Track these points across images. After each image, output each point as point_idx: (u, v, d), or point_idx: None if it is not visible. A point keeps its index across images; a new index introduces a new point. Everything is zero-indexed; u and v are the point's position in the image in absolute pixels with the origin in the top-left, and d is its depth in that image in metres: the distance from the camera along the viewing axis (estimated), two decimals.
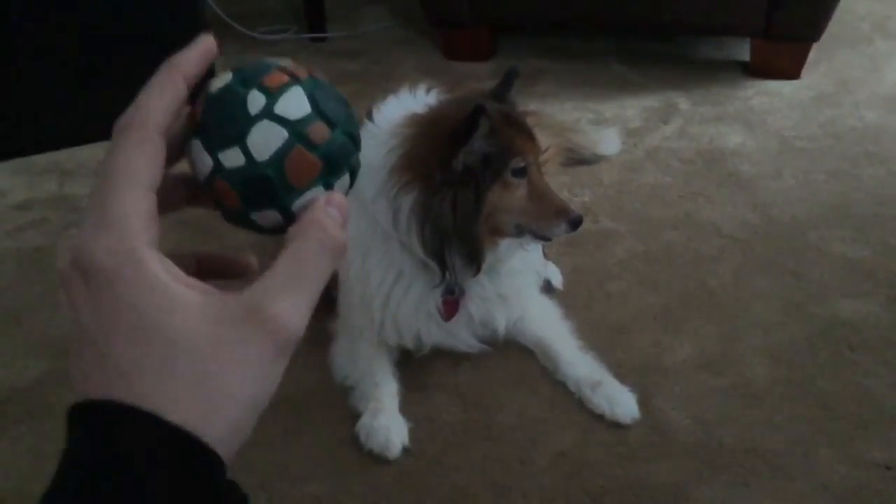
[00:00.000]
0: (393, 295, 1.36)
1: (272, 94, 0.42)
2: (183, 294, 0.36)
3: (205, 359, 0.35)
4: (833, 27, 2.47)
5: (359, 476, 1.26)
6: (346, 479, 1.25)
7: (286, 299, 0.37)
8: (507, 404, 1.39)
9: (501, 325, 1.45)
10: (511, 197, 1.27)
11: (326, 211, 0.41)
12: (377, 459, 1.28)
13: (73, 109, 2.27)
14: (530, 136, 1.30)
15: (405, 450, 1.29)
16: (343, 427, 1.33)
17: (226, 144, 0.41)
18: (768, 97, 2.48)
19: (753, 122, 2.33)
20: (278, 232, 0.44)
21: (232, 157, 0.41)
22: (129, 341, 0.35)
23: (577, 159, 2.11)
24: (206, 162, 0.42)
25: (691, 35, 2.88)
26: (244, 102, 0.41)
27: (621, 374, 1.40)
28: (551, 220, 1.29)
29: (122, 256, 0.35)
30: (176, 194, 0.45)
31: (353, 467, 1.28)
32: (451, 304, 1.38)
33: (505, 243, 1.34)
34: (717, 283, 1.67)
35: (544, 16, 2.75)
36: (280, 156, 0.41)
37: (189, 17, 2.34)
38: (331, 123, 0.43)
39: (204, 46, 0.43)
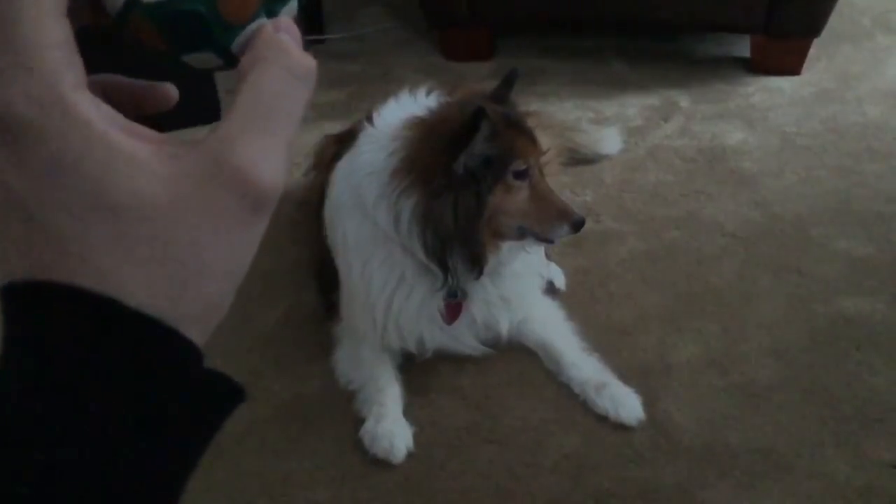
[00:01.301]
0: (395, 299, 1.35)
1: None
2: (130, 148, 0.29)
3: (165, 227, 0.29)
4: (833, 22, 2.46)
5: (363, 481, 1.25)
6: (350, 485, 1.25)
7: (253, 144, 0.30)
8: (512, 407, 1.38)
9: (504, 327, 1.44)
10: (513, 199, 1.26)
11: (279, 37, 0.33)
12: (381, 464, 1.27)
13: None
14: (531, 139, 1.30)
15: (409, 454, 1.28)
16: (347, 432, 1.33)
17: None
18: (769, 94, 2.47)
19: (755, 119, 2.32)
20: (214, 71, 0.36)
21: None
22: (71, 211, 0.28)
23: (579, 159, 2.10)
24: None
25: (691, 32, 2.87)
26: None
27: (625, 375, 1.40)
28: (553, 223, 1.28)
29: (49, 106, 0.28)
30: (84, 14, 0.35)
31: (358, 473, 1.27)
32: (454, 308, 1.37)
33: (507, 246, 1.33)
34: (721, 282, 1.66)
35: (543, 15, 2.75)
36: None
37: None
38: None
39: None
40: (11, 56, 0.28)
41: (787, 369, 1.43)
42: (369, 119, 1.42)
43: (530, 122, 1.39)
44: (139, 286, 0.29)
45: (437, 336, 1.41)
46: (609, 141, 2.16)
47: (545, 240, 1.33)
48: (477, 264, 1.28)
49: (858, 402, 1.36)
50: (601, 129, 2.22)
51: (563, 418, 1.36)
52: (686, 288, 1.65)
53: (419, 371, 1.44)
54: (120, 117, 0.30)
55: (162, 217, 0.29)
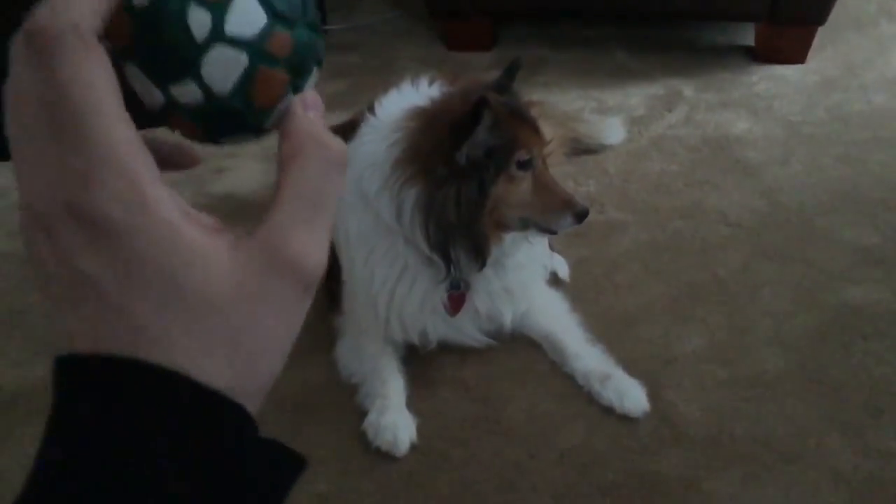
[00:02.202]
0: (398, 291, 1.35)
1: (216, 8, 0.34)
2: (202, 244, 0.32)
3: (234, 315, 0.32)
4: (838, 10, 2.44)
5: (366, 474, 1.25)
6: (353, 478, 1.24)
7: (303, 234, 0.34)
8: (516, 399, 1.37)
9: (508, 319, 1.43)
10: (516, 190, 1.25)
11: (311, 120, 0.36)
12: (385, 457, 1.26)
13: None
14: (535, 129, 1.28)
15: (413, 447, 1.28)
16: (350, 425, 1.32)
17: (176, 77, 0.34)
18: (774, 82, 2.45)
19: (759, 108, 2.31)
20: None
21: (187, 93, 0.35)
22: (146, 298, 0.31)
23: (582, 149, 2.09)
24: (154, 94, 0.35)
25: (695, 21, 2.85)
26: (186, 25, 0.33)
27: (630, 366, 1.39)
28: (557, 213, 1.27)
29: (132, 204, 0.30)
30: None
31: (361, 465, 1.26)
32: (457, 299, 1.37)
33: (510, 237, 1.32)
34: (726, 272, 1.65)
35: (545, 4, 2.73)
36: (244, 83, 0.35)
37: None
38: (290, 23, 0.36)
39: None
40: (93, 158, 0.30)
41: (792, 359, 1.43)
42: (371, 109, 1.41)
43: (533, 112, 1.38)
44: (205, 365, 0.31)
45: (440, 328, 1.40)
46: (612, 131, 2.14)
47: (548, 230, 1.32)
48: (480, 255, 1.27)
49: (864, 392, 1.35)
50: (604, 118, 2.21)
51: (567, 410, 1.35)
52: (691, 278, 1.64)
53: (422, 363, 1.43)
54: (186, 206, 0.33)
55: (229, 305, 0.32)
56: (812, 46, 2.55)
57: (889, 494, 1.18)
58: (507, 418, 1.34)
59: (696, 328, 1.51)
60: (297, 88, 0.37)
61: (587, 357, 1.40)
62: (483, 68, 2.56)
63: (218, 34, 0.34)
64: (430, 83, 1.50)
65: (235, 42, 0.34)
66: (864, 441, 1.26)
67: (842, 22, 2.76)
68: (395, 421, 1.28)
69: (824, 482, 1.20)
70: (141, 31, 0.34)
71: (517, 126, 1.25)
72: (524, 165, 1.25)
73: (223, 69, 0.34)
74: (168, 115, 0.36)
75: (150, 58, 0.35)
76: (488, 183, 1.23)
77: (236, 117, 0.36)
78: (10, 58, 0.31)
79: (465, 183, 1.22)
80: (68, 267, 0.31)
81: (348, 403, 1.36)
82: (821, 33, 2.51)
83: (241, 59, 0.34)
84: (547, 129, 1.76)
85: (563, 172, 1.93)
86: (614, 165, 2.06)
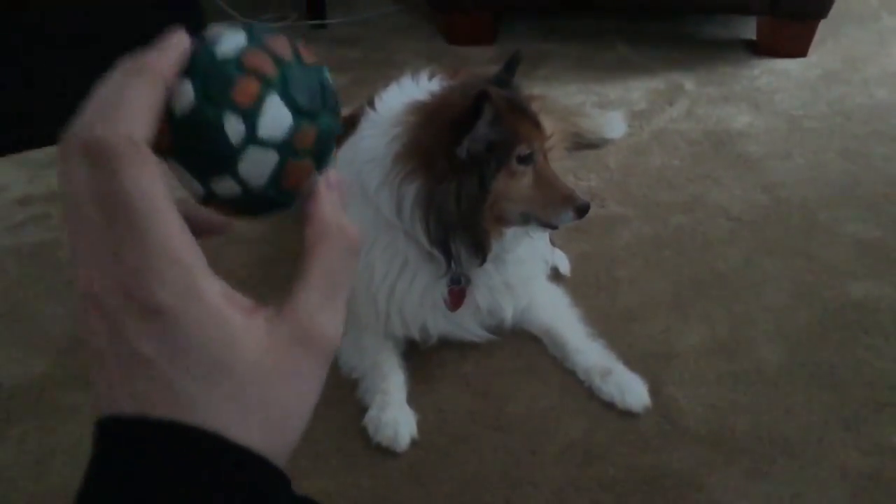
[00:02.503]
0: (398, 286, 1.34)
1: (249, 115, 0.38)
2: (243, 326, 0.36)
3: (269, 386, 0.36)
4: (840, 4, 2.44)
5: (367, 469, 1.24)
6: (354, 473, 1.24)
7: (326, 312, 0.39)
8: (517, 394, 1.37)
9: (508, 314, 1.43)
10: (516, 185, 1.25)
11: (334, 205, 0.41)
12: (386, 452, 1.26)
13: (72, 102, 2.25)
14: (535, 123, 1.28)
15: (414, 442, 1.27)
16: (350, 420, 1.32)
17: (215, 174, 0.39)
18: (775, 76, 2.45)
19: (761, 102, 2.30)
20: None
21: (225, 187, 0.40)
22: (199, 375, 0.35)
23: (583, 144, 2.08)
24: (196, 187, 0.40)
25: (696, 14, 2.84)
26: (222, 131, 0.38)
27: (631, 361, 1.38)
28: (558, 208, 1.26)
29: (187, 295, 0.35)
30: None
31: (362, 461, 1.26)
32: (457, 294, 1.36)
33: (510, 232, 1.32)
34: (727, 267, 1.65)
35: None
36: (275, 176, 0.40)
37: (187, 7, 2.31)
38: (313, 117, 0.40)
39: (182, 47, 0.40)
40: (151, 252, 0.34)
41: (794, 354, 1.42)
42: (371, 104, 1.40)
43: (534, 107, 1.37)
44: (242, 429, 0.35)
45: (440, 323, 1.39)
46: (613, 125, 2.14)
47: (549, 225, 1.31)
48: (480, 250, 1.27)
49: (867, 387, 1.35)
50: (605, 113, 2.20)
51: (568, 405, 1.34)
52: (692, 273, 1.64)
53: (423, 358, 1.43)
54: (227, 289, 0.37)
55: (264, 377, 0.36)
56: (813, 40, 2.54)
57: (892, 489, 1.17)
58: (508, 413, 1.33)
59: (697, 323, 1.50)
60: (321, 168, 0.42)
61: (588, 352, 1.39)
62: (484, 62, 2.55)
63: (251, 138, 0.38)
64: (431, 77, 1.49)
65: (266, 143, 0.39)
66: (867, 436, 1.26)
67: (843, 15, 2.76)
68: (395, 416, 1.28)
69: (826, 477, 1.20)
70: (182, 137, 0.38)
71: (518, 120, 1.24)
72: (525, 160, 1.24)
73: (257, 167, 0.39)
74: (207, 202, 0.41)
75: (190, 158, 0.39)
76: (489, 177, 1.22)
77: (269, 202, 0.41)
78: (60, 155, 0.36)
79: (466, 178, 1.21)
80: (123, 345, 0.35)
81: (348, 399, 1.36)
82: (822, 27, 2.51)
83: (272, 157, 0.39)
84: (548, 124, 1.75)
85: (564, 167, 1.92)
86: (615, 160, 2.05)
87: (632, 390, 1.32)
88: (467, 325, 1.42)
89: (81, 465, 1.01)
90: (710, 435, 1.27)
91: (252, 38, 0.40)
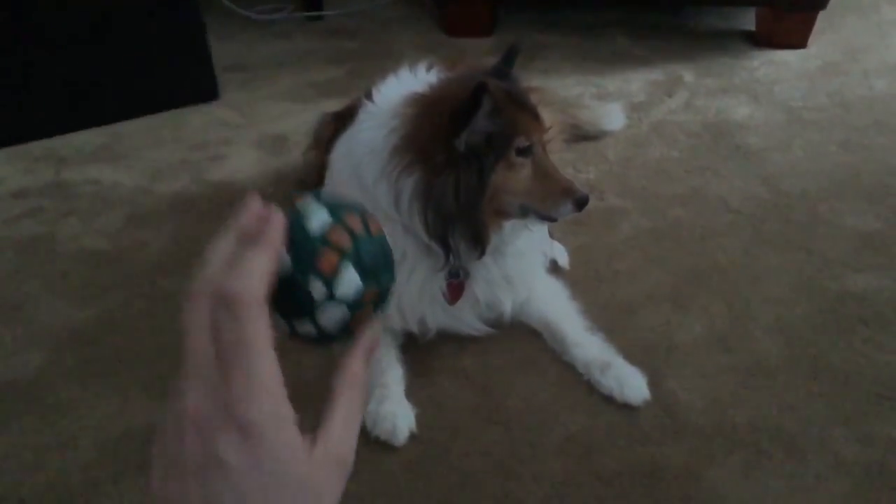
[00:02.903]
0: (396, 279, 1.33)
1: (329, 280, 0.51)
2: (301, 447, 0.46)
3: (313, 495, 0.47)
4: None
5: (365, 464, 1.24)
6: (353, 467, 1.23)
7: (348, 441, 0.51)
8: (516, 388, 1.36)
9: (507, 307, 1.42)
10: (515, 177, 1.24)
11: (364, 363, 0.53)
12: (384, 446, 1.25)
13: (67, 95, 2.24)
14: (534, 115, 1.27)
15: (412, 436, 1.27)
16: None
17: (298, 317, 0.52)
18: (775, 67, 2.44)
19: (760, 94, 2.29)
20: None
21: (305, 327, 0.53)
22: (265, 482, 0.44)
23: (582, 136, 2.07)
24: (283, 326, 0.53)
25: (695, 5, 2.83)
26: (308, 291, 0.51)
27: (630, 354, 1.37)
28: (557, 200, 1.26)
29: (275, 417, 0.45)
30: None
31: (360, 455, 1.24)
32: (456, 288, 1.35)
33: (509, 225, 1.31)
34: (727, 260, 1.64)
35: None
36: (345, 323, 0.53)
37: (183, 0, 2.30)
38: (377, 277, 0.54)
39: (283, 223, 0.50)
40: (254, 384, 0.44)
41: (794, 347, 1.42)
42: (369, 96, 1.39)
43: (533, 99, 1.36)
44: None
45: (439, 316, 1.39)
46: (612, 117, 2.13)
47: (548, 218, 1.30)
48: (479, 243, 1.26)
49: (866, 380, 1.34)
50: (604, 105, 2.20)
51: (567, 398, 1.34)
52: (691, 266, 1.63)
53: (421, 352, 1.42)
54: (295, 425, 0.47)
55: (313, 490, 0.46)
56: (813, 31, 2.53)
57: (892, 483, 1.17)
58: (507, 407, 1.33)
59: (696, 316, 1.50)
60: (379, 312, 0.55)
61: (587, 345, 1.39)
62: (482, 54, 2.54)
63: (329, 296, 0.52)
64: (429, 69, 1.48)
65: (341, 301, 0.52)
66: (867, 429, 1.25)
67: (843, 6, 2.75)
68: (393, 410, 1.27)
69: (827, 471, 1.19)
70: (278, 291, 0.49)
71: (516, 112, 1.23)
72: (524, 152, 1.23)
73: (332, 317, 0.52)
74: (290, 337, 0.53)
75: (282, 306, 0.51)
76: (487, 170, 1.21)
77: (337, 340, 0.54)
78: (191, 296, 0.47)
79: (464, 170, 1.20)
80: (211, 455, 0.44)
81: None
82: (822, 18, 2.50)
83: (344, 311, 0.52)
84: (547, 116, 1.74)
85: (563, 159, 1.92)
86: (614, 152, 2.04)
87: (631, 384, 1.31)
88: (466, 318, 1.41)
89: (79, 460, 1.02)
90: (709, 428, 1.27)
91: (334, 215, 0.53)
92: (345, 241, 0.53)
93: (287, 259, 0.51)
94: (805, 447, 1.23)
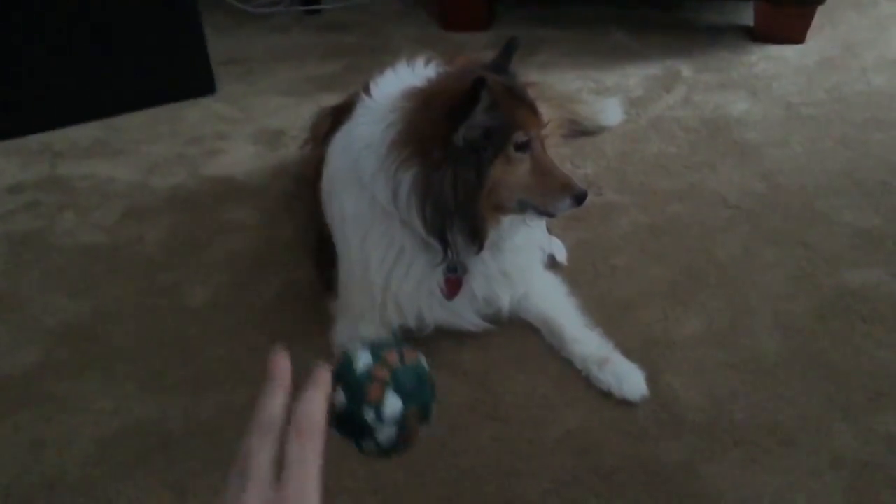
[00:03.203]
0: (394, 274, 1.33)
1: (377, 407, 0.66)
2: None
3: None
4: None
5: (362, 460, 1.21)
6: (349, 463, 1.23)
7: None
8: (513, 384, 1.36)
9: (506, 302, 1.42)
10: (514, 172, 1.23)
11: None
12: None
13: (63, 88, 2.23)
14: (533, 109, 1.26)
15: None
16: None
17: (361, 438, 0.68)
18: (773, 63, 2.43)
19: (758, 89, 2.29)
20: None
21: (368, 445, 0.68)
22: None
23: (579, 131, 2.07)
24: (351, 443, 0.69)
25: (693, 0, 2.82)
26: (364, 417, 0.66)
27: (628, 350, 1.37)
28: (556, 195, 1.25)
29: None
30: None
31: (356, 451, 1.25)
32: (454, 283, 1.35)
33: (508, 220, 1.30)
34: (725, 255, 1.64)
35: None
36: (397, 437, 0.68)
37: None
38: (416, 398, 0.68)
39: (329, 379, 0.65)
40: (301, 498, 0.57)
41: (792, 343, 1.41)
42: (366, 90, 1.39)
43: (531, 93, 1.35)
44: None
45: (436, 312, 1.38)
46: (610, 112, 2.12)
47: (547, 213, 1.30)
48: (477, 239, 1.26)
49: (864, 377, 1.34)
50: (602, 100, 2.19)
51: (565, 395, 1.33)
52: (689, 261, 1.63)
53: (419, 348, 1.41)
54: None
55: None
56: (811, 26, 2.52)
57: (889, 479, 1.17)
58: (505, 403, 1.32)
59: (695, 312, 1.49)
60: (424, 423, 0.70)
61: (586, 341, 1.38)
62: (480, 48, 2.53)
63: (380, 419, 0.66)
64: (427, 63, 1.47)
65: (390, 421, 0.67)
66: (865, 425, 1.25)
67: (841, 1, 2.74)
68: None
69: (824, 466, 1.19)
70: (339, 420, 0.67)
71: (515, 107, 1.23)
72: (522, 147, 1.23)
73: (386, 436, 0.67)
74: (359, 451, 0.69)
75: (346, 430, 0.68)
76: (485, 165, 1.20)
77: (397, 451, 0.69)
78: (253, 428, 0.61)
79: (462, 165, 1.20)
80: None
81: None
82: (820, 13, 2.49)
83: (394, 429, 0.67)
84: (545, 111, 1.73)
85: (561, 154, 1.91)
86: (612, 147, 2.04)
87: (629, 380, 1.31)
88: (464, 313, 1.41)
89: (74, 456, 1.02)
90: (707, 424, 1.27)
91: (374, 355, 0.69)
92: (385, 374, 0.68)
93: (342, 396, 0.67)
94: (803, 443, 1.23)
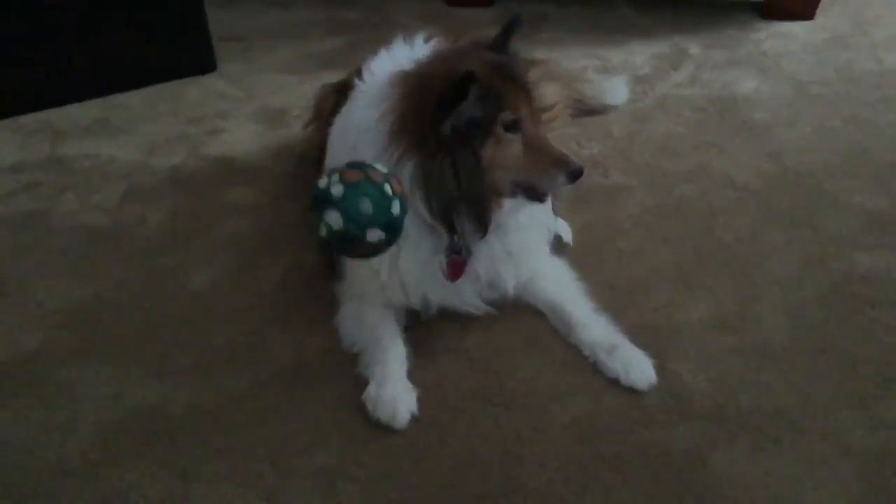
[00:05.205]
0: (400, 257, 1.31)
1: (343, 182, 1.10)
2: None
3: None
4: None
5: (368, 445, 1.23)
6: (354, 449, 1.22)
7: None
8: (519, 369, 1.35)
9: (510, 283, 1.40)
10: (505, 152, 1.21)
11: None
12: (386, 428, 1.24)
13: (61, 66, 2.20)
14: (524, 89, 1.23)
15: (415, 418, 1.25)
16: (350, 395, 1.29)
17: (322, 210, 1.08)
18: (782, 40, 2.40)
19: (767, 67, 2.25)
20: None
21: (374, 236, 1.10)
22: None
23: (585, 110, 2.04)
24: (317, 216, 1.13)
25: None
26: (329, 192, 1.08)
27: (635, 335, 1.36)
28: (549, 172, 1.22)
29: None
30: None
31: (362, 436, 1.24)
32: (457, 265, 1.33)
33: (508, 203, 1.28)
34: (732, 238, 1.62)
35: None
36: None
37: None
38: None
39: None
40: None
41: (800, 329, 1.40)
42: (359, 73, 1.37)
43: (537, 72, 1.33)
44: None
45: (440, 293, 1.36)
46: (616, 91, 2.10)
47: (541, 194, 1.27)
48: (483, 223, 1.24)
49: (873, 363, 1.33)
50: (608, 78, 2.16)
51: (571, 381, 1.32)
52: (697, 244, 1.61)
53: (424, 333, 1.41)
54: None
55: None
56: (821, 2, 2.48)
57: None
58: (510, 389, 1.31)
59: (702, 296, 1.48)
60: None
61: (594, 327, 1.37)
62: (483, 25, 2.50)
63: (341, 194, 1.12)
64: (427, 40, 1.45)
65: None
66: (873, 412, 1.24)
67: None
68: (394, 393, 1.26)
69: (832, 454, 1.18)
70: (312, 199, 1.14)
71: (504, 87, 1.21)
72: (512, 127, 1.21)
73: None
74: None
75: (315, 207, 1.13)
76: (478, 148, 1.19)
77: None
78: None
79: (460, 151, 1.18)
80: None
81: (349, 372, 1.34)
82: None
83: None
84: (552, 91, 1.71)
85: (567, 134, 1.89)
86: (618, 127, 2.01)
87: (637, 367, 1.30)
88: (467, 296, 1.39)
89: (78, 441, 1.01)
90: (714, 411, 1.26)
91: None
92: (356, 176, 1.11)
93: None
94: (811, 430, 1.22)
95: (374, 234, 1.12)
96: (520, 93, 1.23)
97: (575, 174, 1.23)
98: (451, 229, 1.24)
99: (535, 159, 1.23)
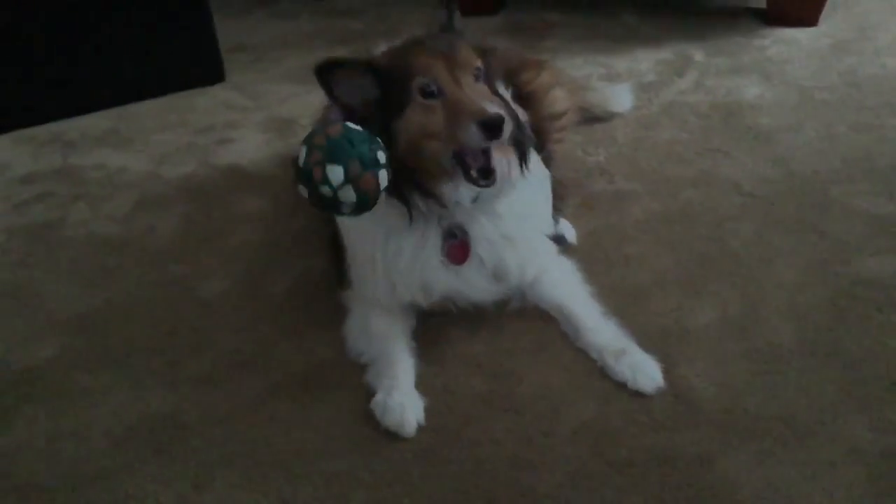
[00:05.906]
0: (388, 251, 1.33)
1: (327, 181, 1.08)
2: None
3: None
4: None
5: (378, 452, 1.24)
6: (364, 456, 1.23)
7: None
8: (527, 374, 1.36)
9: (515, 272, 1.40)
10: (427, 117, 1.22)
11: None
12: (396, 435, 1.25)
13: (71, 78, 2.22)
14: (441, 54, 1.24)
15: (421, 427, 1.26)
16: (360, 401, 1.31)
17: (334, 208, 1.09)
18: (786, 46, 2.41)
19: (771, 73, 2.27)
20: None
21: (342, 208, 1.10)
22: None
23: (591, 117, 2.05)
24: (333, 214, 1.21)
25: None
26: (323, 194, 1.04)
27: (642, 340, 1.37)
28: (462, 126, 1.19)
29: None
30: None
31: (372, 443, 1.25)
32: (459, 248, 1.34)
33: (452, 173, 1.26)
34: (738, 243, 1.63)
35: None
36: (355, 192, 1.07)
37: None
38: (355, 155, 1.07)
39: None
40: None
41: (807, 333, 1.41)
42: None
43: (544, 73, 1.34)
44: None
45: (443, 281, 1.36)
46: (620, 98, 2.11)
47: (477, 178, 1.24)
48: (428, 194, 1.26)
49: (880, 366, 1.33)
50: (612, 86, 2.17)
51: (579, 385, 1.33)
52: (703, 250, 1.62)
53: (433, 339, 1.42)
54: None
55: None
56: (824, 8, 2.50)
57: None
58: (519, 394, 1.32)
59: (709, 301, 1.49)
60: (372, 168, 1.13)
61: (602, 331, 1.38)
62: (489, 32, 2.52)
63: (333, 187, 1.10)
64: None
65: (340, 184, 1.10)
66: (881, 416, 1.25)
67: None
68: (402, 401, 1.27)
69: (839, 457, 1.19)
70: (315, 205, 1.14)
71: (415, 54, 1.24)
72: (429, 92, 1.22)
73: (349, 195, 1.11)
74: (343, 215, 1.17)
75: (322, 208, 1.16)
76: (390, 119, 1.23)
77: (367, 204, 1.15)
78: None
79: (374, 125, 1.21)
80: None
81: (358, 379, 1.35)
82: None
83: (350, 188, 1.11)
84: (562, 97, 1.73)
85: (572, 141, 1.90)
86: (623, 134, 2.02)
87: (645, 372, 1.31)
88: (474, 281, 1.39)
89: (91, 448, 1.02)
90: (722, 415, 1.26)
91: (308, 146, 1.08)
92: (318, 155, 1.09)
93: (304, 192, 1.07)
94: (819, 434, 1.22)
95: (377, 154, 1.15)
96: (436, 59, 1.23)
97: (489, 124, 1.17)
98: (408, 206, 1.26)
99: (452, 115, 1.21)
